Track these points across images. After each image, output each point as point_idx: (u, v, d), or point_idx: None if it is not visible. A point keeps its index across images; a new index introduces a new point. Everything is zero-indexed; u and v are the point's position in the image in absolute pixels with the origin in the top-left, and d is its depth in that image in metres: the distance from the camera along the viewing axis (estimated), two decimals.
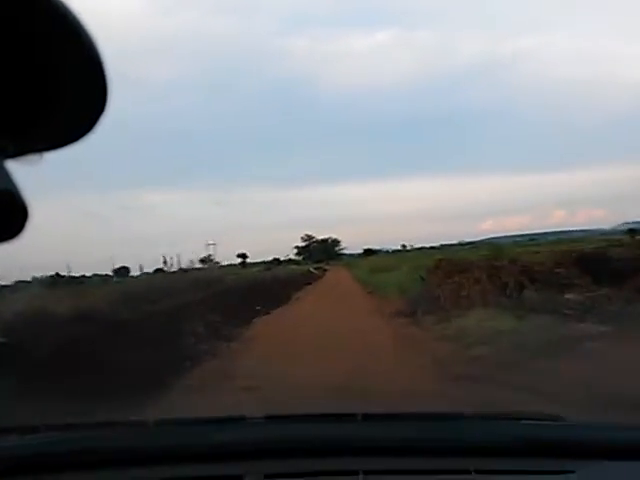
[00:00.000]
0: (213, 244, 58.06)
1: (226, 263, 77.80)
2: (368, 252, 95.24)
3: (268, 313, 16.07)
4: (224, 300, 15.01)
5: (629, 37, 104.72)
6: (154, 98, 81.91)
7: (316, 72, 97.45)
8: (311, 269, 54.31)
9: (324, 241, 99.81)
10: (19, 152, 0.44)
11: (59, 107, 0.45)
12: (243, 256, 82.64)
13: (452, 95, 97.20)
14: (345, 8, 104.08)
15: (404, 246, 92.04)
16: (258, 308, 16.35)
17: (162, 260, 20.55)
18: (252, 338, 11.18)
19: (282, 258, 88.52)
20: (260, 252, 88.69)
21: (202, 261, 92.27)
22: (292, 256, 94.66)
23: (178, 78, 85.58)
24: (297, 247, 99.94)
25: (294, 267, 62.38)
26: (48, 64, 0.42)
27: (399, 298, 15.27)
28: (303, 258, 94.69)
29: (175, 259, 20.39)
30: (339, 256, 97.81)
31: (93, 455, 1.48)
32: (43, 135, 0.46)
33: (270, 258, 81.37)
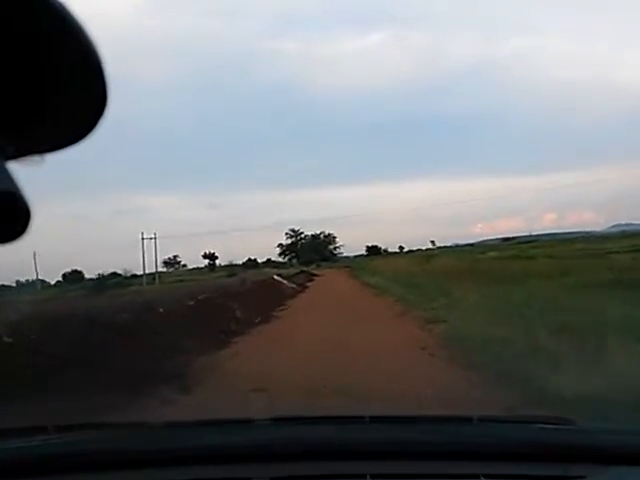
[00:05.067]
0: (152, 238, 51.51)
1: (193, 266, 71.69)
2: (373, 251, 76.89)
3: None
4: None
5: (622, 41, 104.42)
6: (145, 100, 78.06)
7: (310, 74, 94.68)
8: (276, 276, 30.24)
9: (315, 237, 76.40)
10: (20, 153, 0.44)
11: (59, 108, 0.45)
12: (211, 257, 70.02)
13: (446, 98, 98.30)
14: (338, 10, 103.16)
15: (402, 248, 79.70)
16: None
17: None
18: None
19: (262, 260, 72.06)
20: (248, 253, 77.32)
21: (166, 264, 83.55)
22: (277, 256, 74.69)
23: (170, 79, 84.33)
24: (280, 245, 76.16)
25: (267, 271, 44.75)
26: (48, 65, 0.42)
27: None
28: (289, 259, 74.06)
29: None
30: (334, 256, 75.85)
31: (101, 457, 1.48)
32: (44, 136, 0.45)
33: (245, 259, 69.15)
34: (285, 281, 28.34)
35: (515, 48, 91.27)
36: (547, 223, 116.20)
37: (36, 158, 0.46)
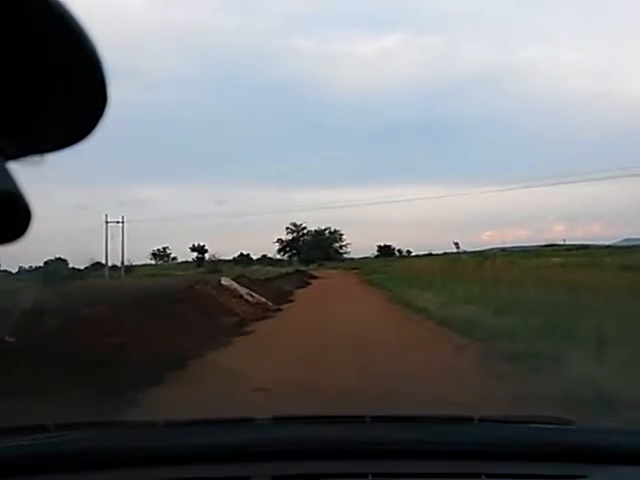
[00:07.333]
0: (118, 222, 43.37)
1: (184, 259, 64.94)
2: (385, 252, 69.91)
3: None
4: None
5: (634, 53, 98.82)
6: (151, 92, 78.28)
7: (321, 74, 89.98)
8: (224, 281, 16.24)
9: (319, 233, 68.31)
10: (20, 153, 0.44)
11: (59, 108, 0.44)
12: (200, 250, 63.43)
13: (464, 103, 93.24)
14: (350, 11, 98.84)
15: (409, 252, 73.62)
16: None
17: None
18: None
19: (256, 256, 65.96)
20: (244, 248, 70.48)
21: (155, 255, 74.74)
22: (276, 253, 67.12)
23: (177, 73, 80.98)
24: (280, 240, 67.73)
25: (258, 268, 38.76)
26: (48, 65, 0.42)
27: None
28: (289, 257, 66.38)
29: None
30: (340, 255, 68.09)
31: (102, 455, 1.48)
32: (44, 136, 0.45)
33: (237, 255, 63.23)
34: (244, 291, 15.12)
35: (528, 57, 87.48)
36: (557, 234, 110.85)
37: (36, 158, 0.45)
